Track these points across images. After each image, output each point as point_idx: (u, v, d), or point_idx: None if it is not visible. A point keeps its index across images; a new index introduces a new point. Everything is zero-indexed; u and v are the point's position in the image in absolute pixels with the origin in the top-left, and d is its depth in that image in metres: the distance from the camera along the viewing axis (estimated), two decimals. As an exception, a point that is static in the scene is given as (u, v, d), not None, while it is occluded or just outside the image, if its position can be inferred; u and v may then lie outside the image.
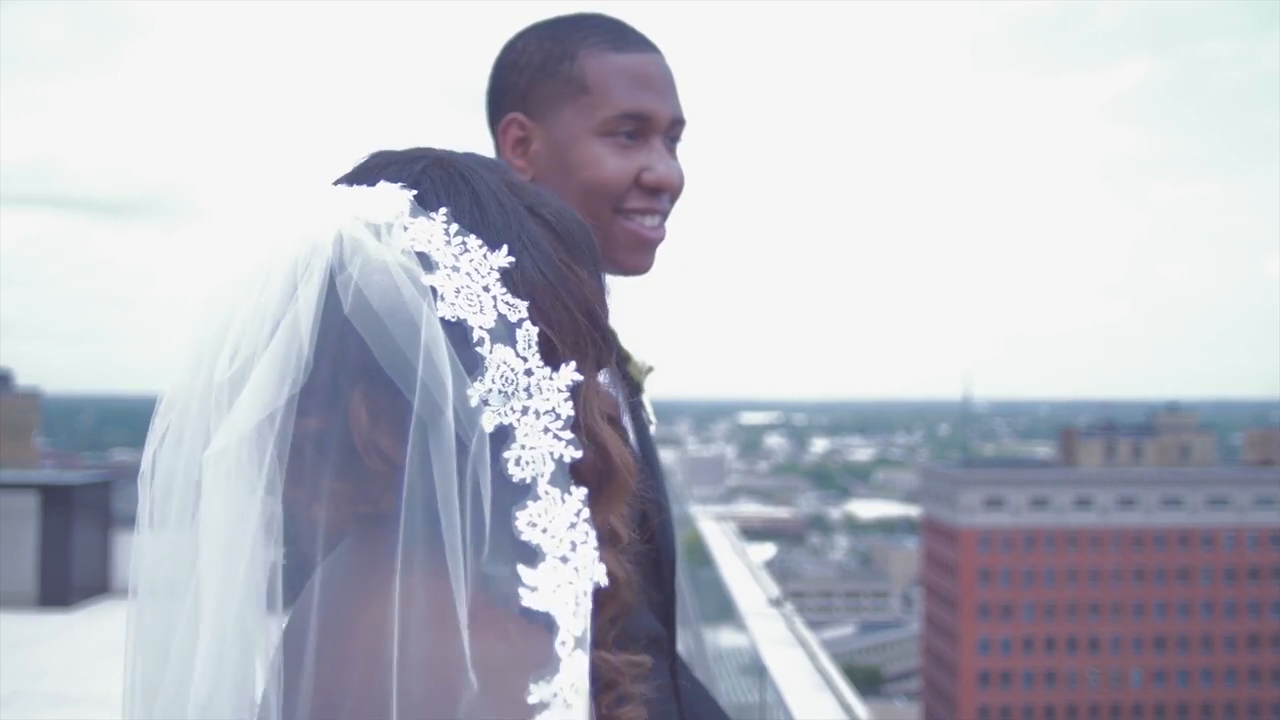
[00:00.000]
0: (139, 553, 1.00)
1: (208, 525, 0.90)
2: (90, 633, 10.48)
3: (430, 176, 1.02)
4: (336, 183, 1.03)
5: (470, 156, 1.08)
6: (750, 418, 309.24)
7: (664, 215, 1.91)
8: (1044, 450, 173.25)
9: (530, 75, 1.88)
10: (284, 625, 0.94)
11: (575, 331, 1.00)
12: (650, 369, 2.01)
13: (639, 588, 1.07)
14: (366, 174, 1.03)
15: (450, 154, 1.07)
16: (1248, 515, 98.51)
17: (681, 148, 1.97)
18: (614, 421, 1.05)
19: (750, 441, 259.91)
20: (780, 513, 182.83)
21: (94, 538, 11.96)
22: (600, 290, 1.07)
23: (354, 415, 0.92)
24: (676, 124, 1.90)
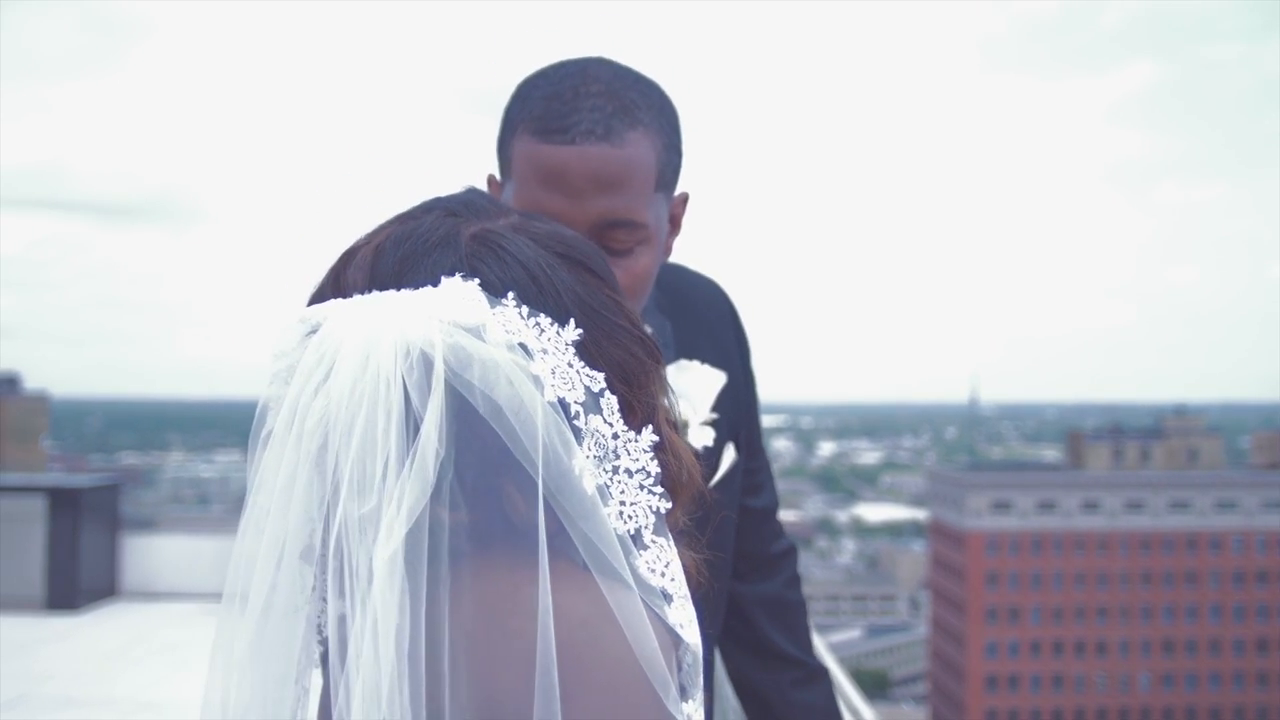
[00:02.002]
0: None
1: (378, 629, 0.94)
2: (97, 636, 10.49)
3: (480, 257, 1.05)
4: (382, 280, 1.04)
5: (472, 208, 1.12)
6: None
7: None
8: (1051, 453, 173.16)
9: (498, 136, 1.77)
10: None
11: (641, 366, 1.08)
12: (685, 424, 1.96)
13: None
14: (413, 264, 1.05)
15: (466, 216, 1.10)
16: (1256, 518, 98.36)
17: (687, 153, 1.82)
18: (675, 426, 1.14)
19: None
20: (787, 516, 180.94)
21: (102, 541, 11.96)
22: (629, 302, 1.13)
23: (509, 502, 0.97)
24: (605, 227, 1.67)
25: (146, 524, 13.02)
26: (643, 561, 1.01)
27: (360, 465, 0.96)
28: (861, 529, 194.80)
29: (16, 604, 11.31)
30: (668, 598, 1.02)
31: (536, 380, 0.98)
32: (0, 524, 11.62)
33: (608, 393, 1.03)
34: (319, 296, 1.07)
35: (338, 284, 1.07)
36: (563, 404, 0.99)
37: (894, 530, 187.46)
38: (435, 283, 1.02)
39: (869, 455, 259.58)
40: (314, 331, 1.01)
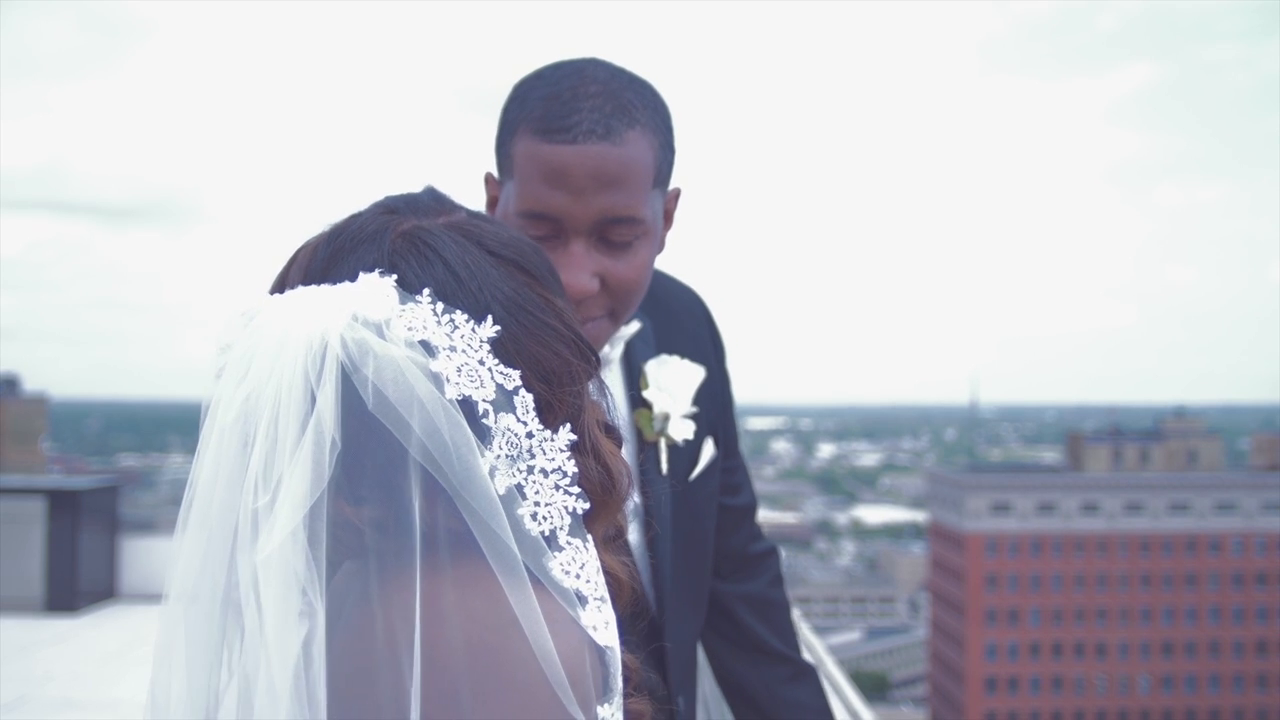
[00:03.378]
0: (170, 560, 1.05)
1: (267, 626, 0.94)
2: (97, 638, 10.49)
3: (402, 254, 1.07)
4: (312, 275, 1.08)
5: (416, 206, 1.15)
6: (757, 423, 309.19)
7: (597, 318, 1.80)
8: (1050, 455, 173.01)
9: (497, 136, 1.82)
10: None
11: (565, 365, 1.08)
12: (666, 416, 2.01)
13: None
14: (340, 260, 1.08)
15: (404, 214, 1.13)
16: (1255, 520, 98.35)
17: (685, 155, 1.88)
18: (609, 430, 1.14)
19: (757, 447, 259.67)
20: (787, 518, 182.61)
21: (101, 543, 11.96)
22: (568, 305, 1.15)
23: (410, 500, 0.98)
24: (607, 223, 1.74)
25: (146, 526, 13.02)
26: (556, 563, 1.01)
27: (267, 459, 0.97)
28: (861, 531, 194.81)
29: (16, 605, 11.32)
30: (582, 600, 1.01)
31: (436, 378, 0.99)
32: (0, 526, 11.62)
33: (523, 391, 1.03)
34: (273, 293, 1.10)
35: (283, 280, 1.10)
36: (468, 402, 1.00)
37: (893, 532, 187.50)
38: (354, 278, 1.04)
39: (868, 457, 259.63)
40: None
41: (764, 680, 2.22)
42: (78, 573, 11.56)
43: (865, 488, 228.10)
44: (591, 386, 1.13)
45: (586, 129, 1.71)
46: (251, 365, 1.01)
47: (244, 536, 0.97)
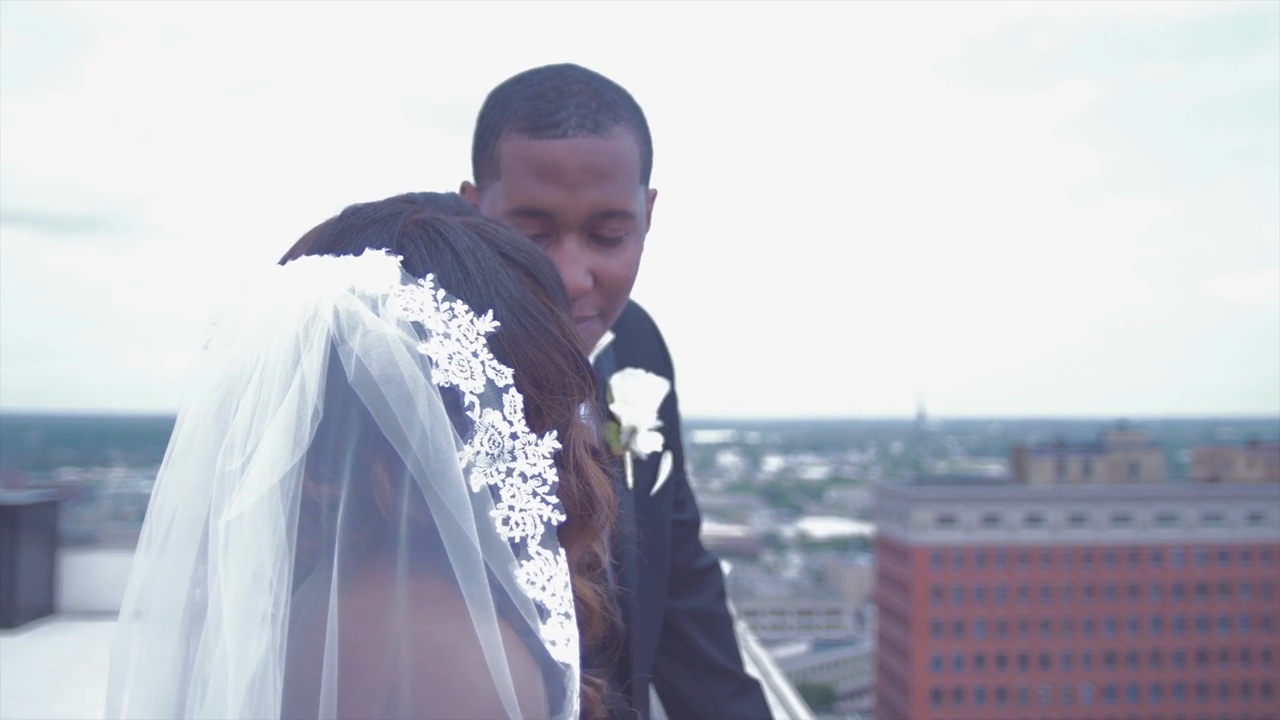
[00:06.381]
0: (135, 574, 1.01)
1: (228, 592, 0.92)
2: (37, 655, 10.34)
3: (412, 238, 1.05)
4: (318, 249, 1.07)
5: (436, 202, 1.13)
6: (704, 436, 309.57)
7: (589, 318, 1.79)
8: (995, 468, 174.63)
9: (474, 143, 1.82)
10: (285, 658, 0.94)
11: (559, 375, 1.05)
12: (633, 430, 2.01)
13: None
14: (349, 237, 1.06)
15: (421, 205, 1.11)
16: (1196, 531, 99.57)
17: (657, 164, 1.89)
18: (596, 453, 1.11)
19: (704, 460, 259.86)
20: (734, 531, 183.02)
21: (40, 558, 11.80)
22: (572, 322, 1.13)
23: (376, 483, 0.95)
24: (599, 217, 1.74)
25: (86, 541, 12.85)
26: (523, 572, 0.98)
27: (247, 423, 0.95)
28: (807, 544, 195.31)
29: (-47, 623, 11.13)
30: (544, 613, 0.98)
31: (425, 360, 0.96)
32: (-63, 542, 11.43)
33: (513, 390, 1.00)
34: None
35: (289, 257, 1.09)
36: (454, 390, 0.97)
37: (840, 545, 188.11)
38: (359, 254, 1.03)
39: (815, 470, 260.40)
40: None
41: (709, 696, 2.22)
42: (17, 589, 11.40)
43: (812, 501, 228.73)
44: (584, 409, 1.10)
45: (576, 123, 1.71)
46: (241, 330, 0.98)
47: (217, 501, 0.95)
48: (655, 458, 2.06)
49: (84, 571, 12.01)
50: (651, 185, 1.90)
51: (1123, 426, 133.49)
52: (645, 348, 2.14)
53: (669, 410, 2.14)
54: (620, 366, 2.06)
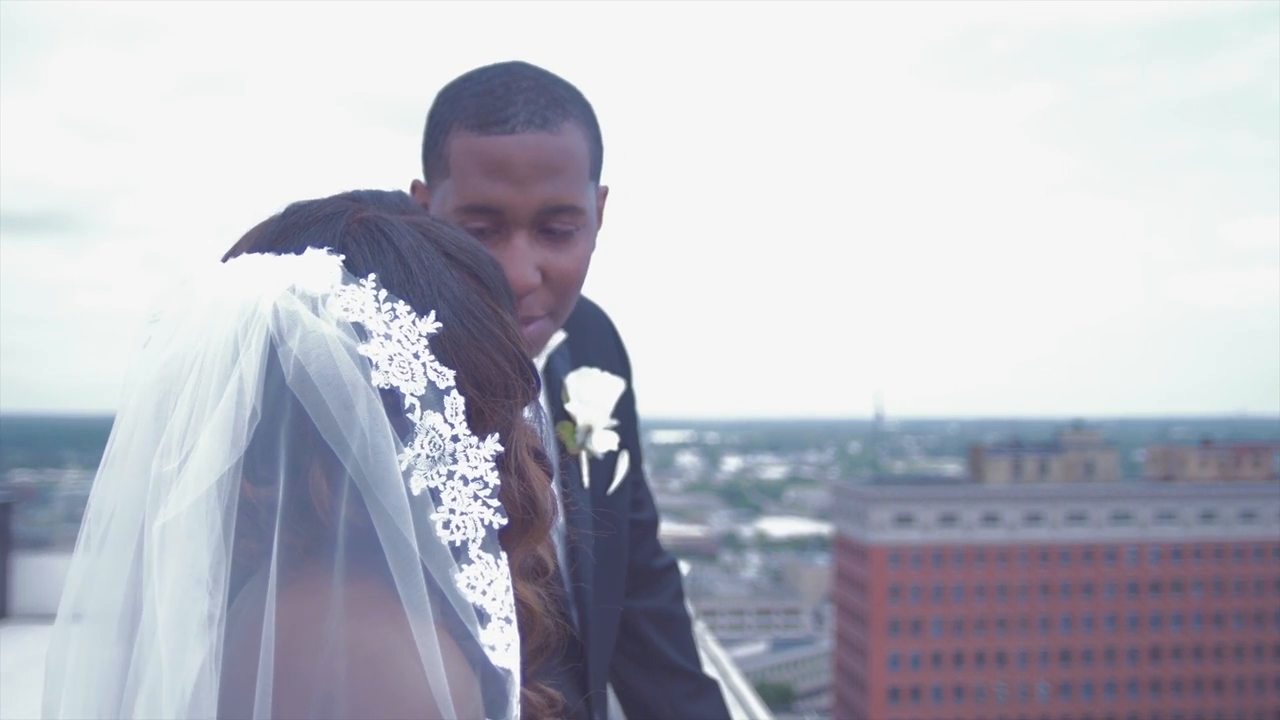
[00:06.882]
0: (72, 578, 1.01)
1: (164, 596, 0.91)
2: (-11, 659, 10.23)
3: (354, 237, 1.04)
4: (260, 246, 1.05)
5: (381, 201, 1.12)
6: (662, 436, 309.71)
7: (539, 317, 1.79)
8: (953, 468, 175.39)
9: (424, 141, 1.83)
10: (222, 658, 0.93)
11: (502, 377, 1.05)
12: (589, 429, 2.01)
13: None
14: (290, 235, 1.05)
15: (366, 204, 1.10)
16: (1150, 530, 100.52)
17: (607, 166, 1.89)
18: (540, 456, 1.10)
19: (662, 460, 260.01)
20: (693, 531, 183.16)
21: (-7, 561, 11.68)
22: (517, 324, 1.12)
23: (314, 486, 0.94)
24: (548, 212, 1.75)
25: (40, 543, 12.75)
26: (463, 577, 0.97)
27: (184, 423, 0.94)
28: (766, 543, 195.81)
29: (-97, 627, 11.00)
30: (484, 618, 0.98)
31: (365, 362, 0.95)
32: (-113, 544, 11.30)
33: (455, 392, 0.99)
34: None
35: (231, 254, 1.07)
36: (395, 392, 0.96)
37: (798, 544, 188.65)
38: (300, 253, 1.01)
39: (774, 470, 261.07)
40: None
41: (666, 697, 2.22)
42: (-31, 592, 11.27)
43: (770, 500, 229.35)
44: (528, 412, 1.10)
45: (524, 119, 1.72)
46: (179, 329, 0.97)
47: (153, 503, 0.93)
48: (612, 457, 2.06)
49: (38, 574, 11.89)
50: (603, 183, 1.91)
51: (1078, 426, 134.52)
52: (601, 346, 2.15)
53: (626, 409, 2.14)
54: (576, 365, 2.07)
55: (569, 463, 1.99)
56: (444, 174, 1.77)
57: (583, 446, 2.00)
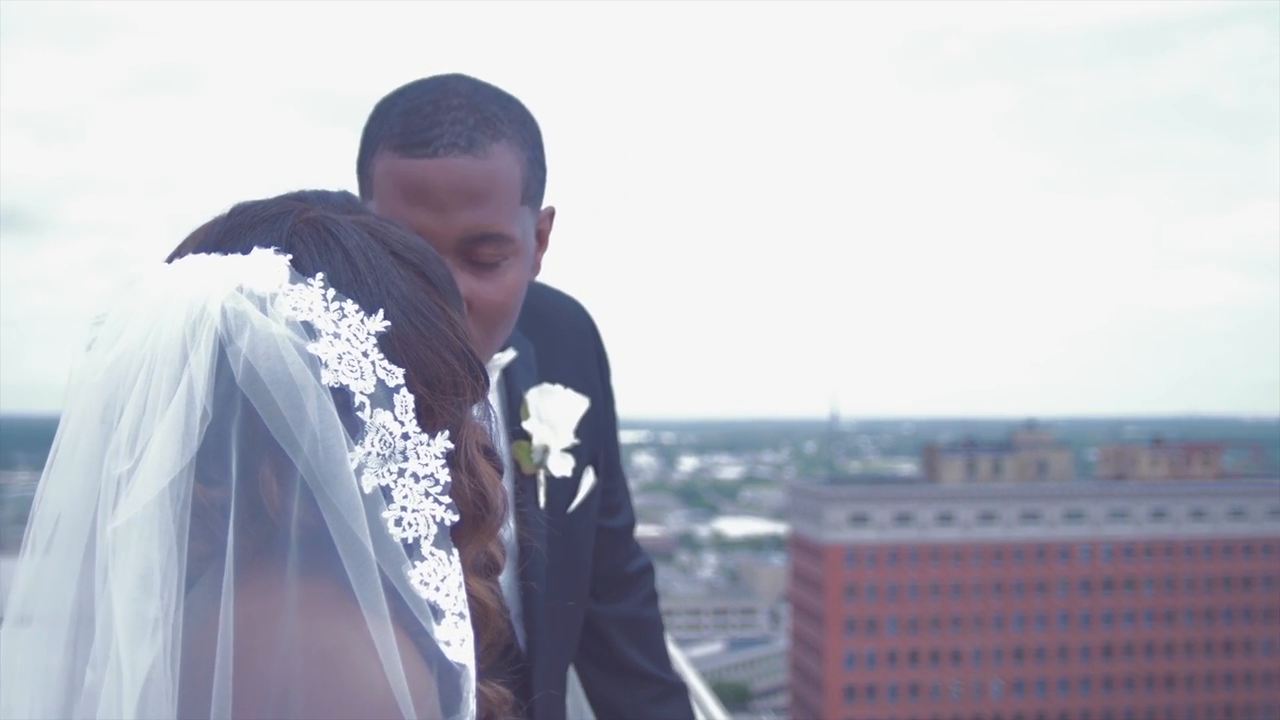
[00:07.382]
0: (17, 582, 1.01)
1: (118, 597, 0.91)
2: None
3: (301, 237, 1.04)
4: (206, 247, 1.05)
5: (327, 200, 1.11)
6: (619, 436, 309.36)
7: None
8: (907, 467, 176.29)
9: (358, 156, 1.74)
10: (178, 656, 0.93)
11: (451, 374, 1.05)
12: (545, 449, 1.96)
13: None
14: (237, 235, 1.05)
15: (312, 203, 1.10)
16: (1102, 528, 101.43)
17: (551, 172, 1.82)
18: (489, 453, 1.11)
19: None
20: (649, 531, 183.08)
21: (-59, 565, 11.54)
22: (464, 321, 1.12)
23: (265, 486, 0.95)
24: (471, 241, 1.66)
25: (-11, 546, 12.57)
26: (416, 573, 0.97)
27: (134, 425, 0.94)
28: (722, 543, 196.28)
29: None
30: (438, 614, 0.98)
31: (314, 360, 0.95)
32: None
33: (404, 390, 1.00)
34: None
35: (177, 254, 1.07)
36: (344, 390, 0.96)
37: (754, 544, 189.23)
38: (247, 253, 1.01)
39: (730, 470, 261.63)
40: None
41: (633, 702, 2.23)
42: (-84, 596, 11.13)
43: (727, 500, 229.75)
44: (477, 409, 1.11)
45: (448, 142, 1.63)
46: (126, 329, 0.97)
47: (105, 505, 0.93)
48: (575, 476, 2.01)
49: (-14, 577, 11.75)
50: (549, 203, 1.83)
51: (1031, 426, 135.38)
52: (574, 351, 2.09)
53: (604, 414, 2.11)
54: (544, 375, 2.01)
55: (525, 483, 1.93)
56: (369, 194, 1.69)
57: (539, 466, 1.95)
